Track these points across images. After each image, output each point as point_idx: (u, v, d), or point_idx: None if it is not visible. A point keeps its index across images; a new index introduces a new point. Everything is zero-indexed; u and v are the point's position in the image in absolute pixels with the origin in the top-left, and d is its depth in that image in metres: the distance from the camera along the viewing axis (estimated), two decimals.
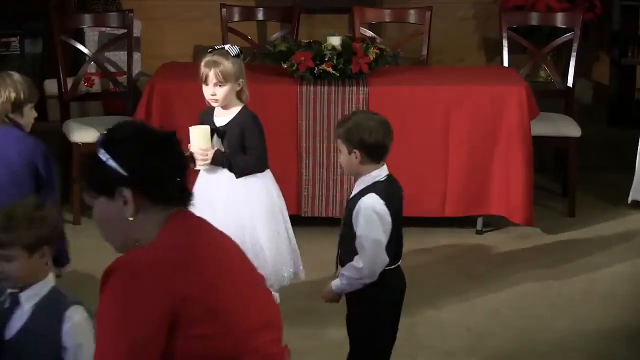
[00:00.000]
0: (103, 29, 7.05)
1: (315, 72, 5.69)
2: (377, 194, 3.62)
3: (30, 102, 4.34)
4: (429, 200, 5.78)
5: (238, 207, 4.57)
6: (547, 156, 6.86)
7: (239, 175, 4.57)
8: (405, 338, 4.67)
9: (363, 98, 5.72)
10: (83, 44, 6.75)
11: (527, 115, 5.73)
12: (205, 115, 4.67)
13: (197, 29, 7.68)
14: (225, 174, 4.58)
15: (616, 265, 5.52)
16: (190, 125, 4.63)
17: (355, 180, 3.75)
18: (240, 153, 4.58)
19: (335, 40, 5.79)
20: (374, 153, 3.67)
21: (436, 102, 5.76)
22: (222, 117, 4.61)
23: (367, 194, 3.62)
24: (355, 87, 5.72)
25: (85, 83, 6.86)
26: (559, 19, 6.62)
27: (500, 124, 5.72)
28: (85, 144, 5.95)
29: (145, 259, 2.48)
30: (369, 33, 6.64)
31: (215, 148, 4.55)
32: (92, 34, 7.22)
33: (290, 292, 4.91)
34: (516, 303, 5.06)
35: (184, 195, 2.62)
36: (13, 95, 4.29)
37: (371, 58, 5.74)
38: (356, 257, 3.64)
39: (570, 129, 6.20)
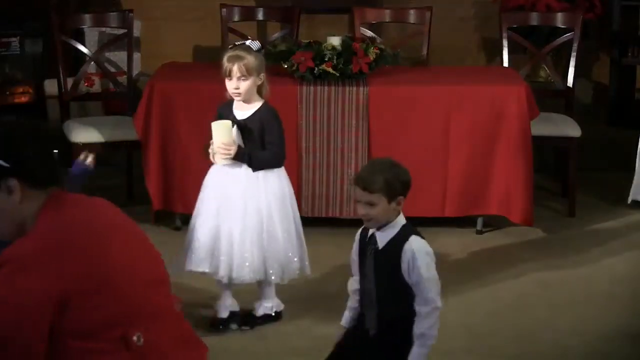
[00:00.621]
0: (103, 29, 7.04)
1: (315, 72, 5.69)
2: (417, 235, 3.58)
3: None
4: (429, 200, 5.78)
5: (256, 200, 4.64)
6: (547, 156, 6.86)
7: (256, 169, 4.64)
8: None
9: (363, 98, 5.72)
10: (83, 44, 6.75)
11: (527, 115, 5.73)
12: (224, 109, 4.73)
13: (197, 29, 7.68)
14: (243, 168, 4.64)
15: (616, 265, 5.52)
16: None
17: (378, 228, 3.59)
18: (260, 148, 4.64)
19: (335, 40, 5.79)
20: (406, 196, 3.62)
21: (436, 102, 5.76)
22: (242, 111, 4.67)
23: (407, 238, 3.55)
24: (355, 87, 5.72)
25: (85, 83, 6.85)
26: (559, 19, 6.62)
27: (500, 124, 5.72)
28: (85, 144, 5.95)
29: (30, 248, 2.62)
30: (369, 33, 6.64)
31: (236, 143, 4.61)
32: (92, 34, 7.22)
33: (289, 291, 4.91)
34: (516, 303, 5.06)
35: (59, 176, 2.80)
36: None
37: (371, 58, 5.74)
38: (421, 301, 3.51)
39: (570, 129, 6.20)
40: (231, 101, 4.69)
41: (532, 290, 5.21)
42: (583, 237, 5.90)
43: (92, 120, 6.36)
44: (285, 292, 4.91)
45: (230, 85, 4.61)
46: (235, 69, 4.56)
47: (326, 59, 5.68)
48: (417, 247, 3.54)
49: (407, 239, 3.54)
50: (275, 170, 4.69)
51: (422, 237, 3.60)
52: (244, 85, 4.59)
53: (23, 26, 7.64)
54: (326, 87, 5.72)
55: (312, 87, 5.72)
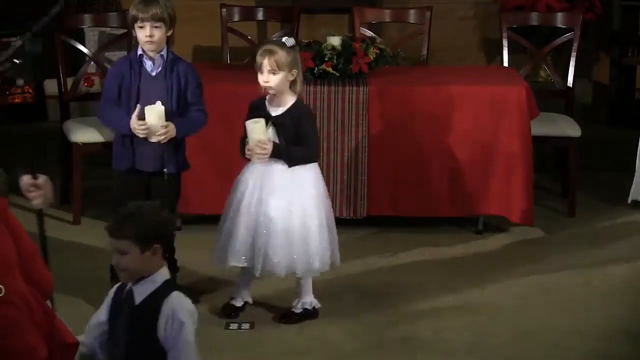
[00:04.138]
0: (103, 29, 7.04)
1: (315, 72, 5.69)
2: (180, 292, 3.23)
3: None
4: (429, 200, 5.78)
5: (291, 196, 4.68)
6: (547, 156, 6.86)
7: (292, 165, 4.68)
8: (406, 338, 4.67)
9: (363, 98, 5.71)
10: (83, 44, 6.75)
11: (527, 115, 5.73)
12: (255, 106, 4.78)
13: (197, 29, 7.68)
14: (278, 164, 4.68)
15: (616, 265, 5.51)
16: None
17: (136, 282, 3.24)
18: (295, 144, 4.69)
19: (335, 40, 5.79)
20: (168, 246, 3.30)
21: (436, 102, 5.76)
22: (275, 108, 4.73)
23: (167, 294, 3.20)
24: (355, 87, 5.72)
25: (85, 83, 6.86)
26: (559, 19, 6.62)
27: (500, 124, 5.72)
28: (85, 144, 5.96)
29: None
30: (369, 33, 6.63)
31: (271, 140, 4.65)
32: (92, 34, 7.22)
33: (288, 292, 4.91)
34: (516, 303, 5.06)
35: None
36: None
37: (371, 58, 5.74)
38: None
39: (570, 129, 6.19)
40: (264, 97, 4.75)
41: (532, 290, 5.21)
42: (583, 237, 5.90)
43: (92, 120, 6.35)
44: (282, 293, 4.91)
45: (262, 78, 4.68)
46: (265, 62, 4.64)
47: (326, 59, 5.68)
48: (178, 305, 3.18)
49: (167, 295, 3.19)
50: (309, 166, 4.73)
51: (187, 295, 3.25)
52: (274, 79, 4.65)
53: (23, 26, 7.64)
54: (326, 87, 5.72)
55: (312, 87, 5.71)
